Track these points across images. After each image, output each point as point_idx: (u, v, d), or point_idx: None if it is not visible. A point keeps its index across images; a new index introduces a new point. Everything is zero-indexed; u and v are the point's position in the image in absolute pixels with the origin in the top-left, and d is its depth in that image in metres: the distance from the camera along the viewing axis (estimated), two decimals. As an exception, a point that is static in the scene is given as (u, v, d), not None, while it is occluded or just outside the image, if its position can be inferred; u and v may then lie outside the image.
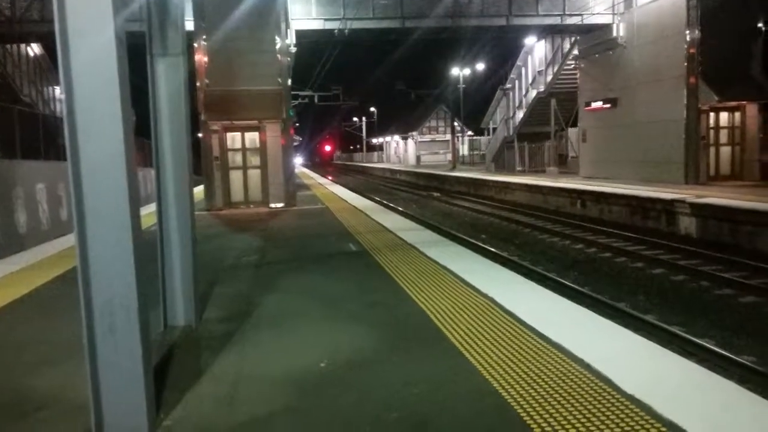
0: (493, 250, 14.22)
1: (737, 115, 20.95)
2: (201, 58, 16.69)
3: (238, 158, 17.47)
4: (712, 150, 20.88)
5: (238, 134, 17.40)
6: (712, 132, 20.86)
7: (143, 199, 17.27)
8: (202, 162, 17.12)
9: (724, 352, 7.02)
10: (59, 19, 3.14)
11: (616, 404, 3.49)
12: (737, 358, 6.85)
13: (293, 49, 20.48)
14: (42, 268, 8.61)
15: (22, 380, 4.28)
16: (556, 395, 3.64)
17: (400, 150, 79.80)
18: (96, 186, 3.27)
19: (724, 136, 21.17)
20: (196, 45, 16.59)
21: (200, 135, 17.02)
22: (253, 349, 4.76)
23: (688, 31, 19.79)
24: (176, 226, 5.26)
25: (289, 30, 19.24)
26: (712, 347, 7.22)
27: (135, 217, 3.40)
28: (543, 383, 3.84)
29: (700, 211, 14.70)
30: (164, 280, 5.25)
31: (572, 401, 3.55)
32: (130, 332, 3.35)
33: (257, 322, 5.54)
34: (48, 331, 5.53)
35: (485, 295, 6.14)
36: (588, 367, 4.08)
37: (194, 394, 3.90)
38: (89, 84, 3.21)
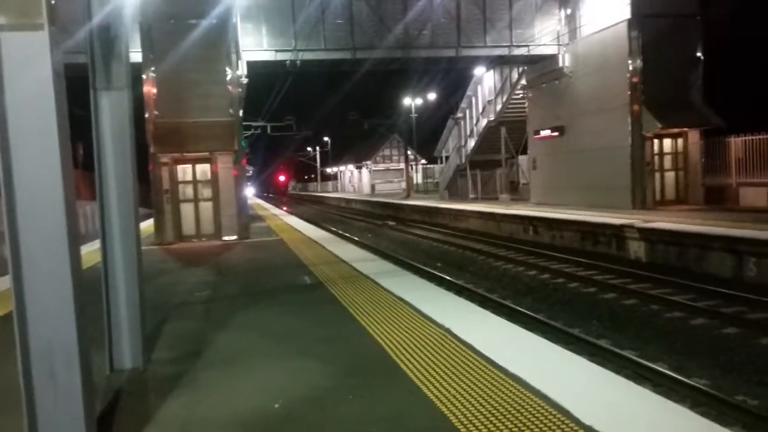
0: (448, 278, 14.23)
1: (680, 141, 21.60)
2: (149, 89, 16.43)
3: (189, 191, 17.14)
4: (658, 175, 21.43)
5: (188, 166, 17.10)
6: (656, 158, 21.43)
7: (90, 236, 16.77)
8: (152, 195, 16.76)
9: (677, 376, 7.10)
10: (-8, 53, 3.02)
11: (575, 436, 3.46)
12: (690, 382, 6.93)
13: (245, 80, 20.38)
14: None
15: (-46, 433, 4.02)
16: (517, 430, 3.59)
17: (354, 179, 79.96)
18: (32, 224, 3.13)
19: (668, 161, 21.78)
20: (144, 76, 16.34)
21: (150, 167, 16.68)
22: (204, 392, 4.58)
23: (630, 61, 20.44)
24: (122, 262, 5.07)
25: (240, 61, 19.14)
26: (665, 371, 7.30)
27: (75, 254, 3.26)
28: (503, 417, 3.78)
29: (648, 235, 15.04)
30: (110, 321, 5.04)
31: (531, 435, 3.51)
32: (71, 378, 3.19)
33: (209, 362, 5.36)
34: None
35: (441, 326, 6.09)
36: (545, 398, 4.05)
37: (141, 442, 3.72)
38: (25, 118, 3.09)
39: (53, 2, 3.16)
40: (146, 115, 16.37)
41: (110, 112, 5.06)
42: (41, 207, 3.11)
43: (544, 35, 23.81)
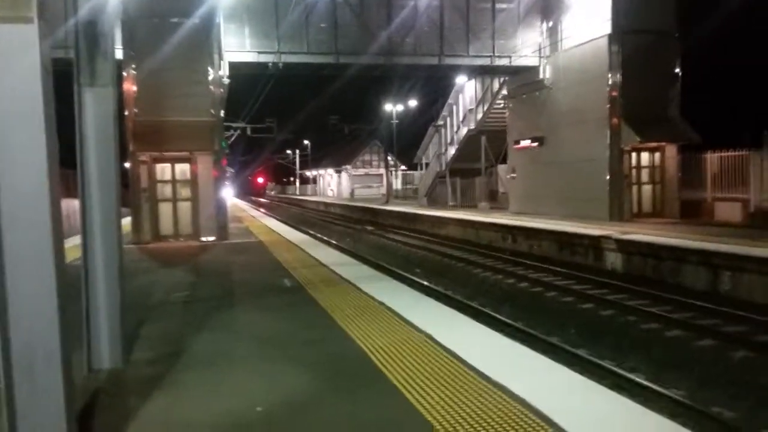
0: (427, 284, 14.25)
1: (657, 155, 21.90)
2: (130, 87, 16.26)
3: (167, 190, 16.97)
4: (635, 188, 21.69)
5: (168, 165, 16.94)
6: (634, 171, 21.71)
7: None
8: (130, 193, 16.56)
9: (655, 387, 7.17)
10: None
11: (559, 445, 3.47)
12: (668, 393, 7.00)
13: (226, 81, 20.26)
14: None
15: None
16: (500, 437, 3.60)
17: (333, 183, 79.82)
18: (17, 220, 3.06)
19: (645, 175, 22.06)
20: (125, 74, 16.17)
21: (128, 165, 16.49)
22: (183, 394, 4.53)
23: (610, 75, 20.67)
24: (102, 260, 5.00)
25: (222, 61, 19.04)
26: (643, 382, 7.37)
27: (59, 253, 3.20)
28: (486, 425, 3.78)
29: (625, 247, 15.21)
30: (88, 320, 4.96)
31: (516, 443, 3.51)
32: (51, 379, 3.13)
33: (188, 363, 5.29)
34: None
35: (423, 332, 6.09)
36: (528, 406, 4.06)
37: (120, 444, 3.65)
38: (12, 113, 3.02)
39: (43, -5, 3.10)
40: (126, 113, 16.19)
41: (94, 109, 4.99)
42: (26, 203, 3.05)
43: (526, 47, 24.00)
